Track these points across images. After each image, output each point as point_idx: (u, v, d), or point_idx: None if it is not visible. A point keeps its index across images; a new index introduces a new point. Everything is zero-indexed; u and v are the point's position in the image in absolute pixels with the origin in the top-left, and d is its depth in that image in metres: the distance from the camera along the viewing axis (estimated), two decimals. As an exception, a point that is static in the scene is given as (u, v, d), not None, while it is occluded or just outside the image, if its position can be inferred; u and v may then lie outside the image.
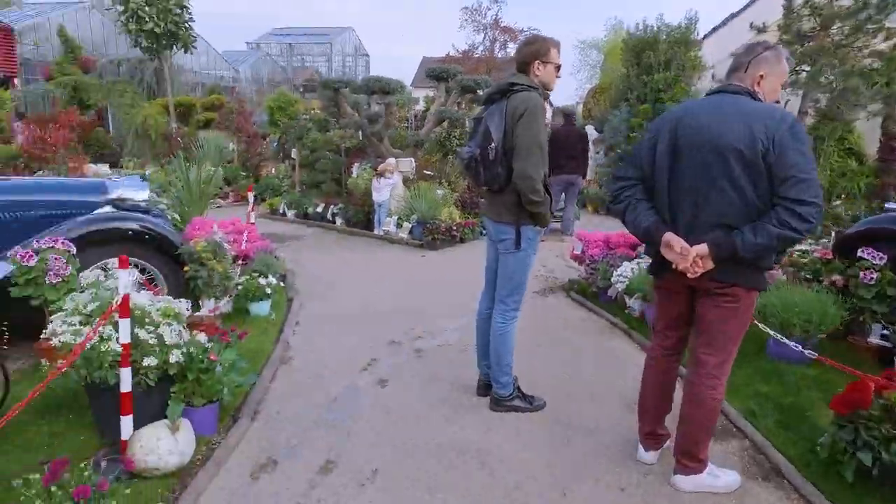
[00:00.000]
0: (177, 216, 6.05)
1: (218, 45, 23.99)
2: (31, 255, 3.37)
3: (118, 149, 13.56)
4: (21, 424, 2.85)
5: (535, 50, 3.03)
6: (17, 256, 3.32)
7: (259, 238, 5.88)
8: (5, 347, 3.69)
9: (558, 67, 3.12)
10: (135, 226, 3.95)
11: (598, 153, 13.41)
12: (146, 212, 4.36)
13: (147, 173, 12.24)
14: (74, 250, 3.60)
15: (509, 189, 2.99)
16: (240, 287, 4.73)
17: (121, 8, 12.14)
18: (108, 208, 4.08)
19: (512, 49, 23.79)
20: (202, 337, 2.95)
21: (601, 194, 12.12)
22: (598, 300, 5.54)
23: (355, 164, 10.15)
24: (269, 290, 4.83)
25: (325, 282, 6.26)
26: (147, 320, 2.75)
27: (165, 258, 4.14)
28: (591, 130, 13.33)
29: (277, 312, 4.98)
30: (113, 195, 4.25)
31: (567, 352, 4.32)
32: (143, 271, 4.10)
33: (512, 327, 3.24)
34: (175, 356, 2.72)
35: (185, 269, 4.04)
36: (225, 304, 4.56)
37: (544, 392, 3.49)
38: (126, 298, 2.53)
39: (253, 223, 6.47)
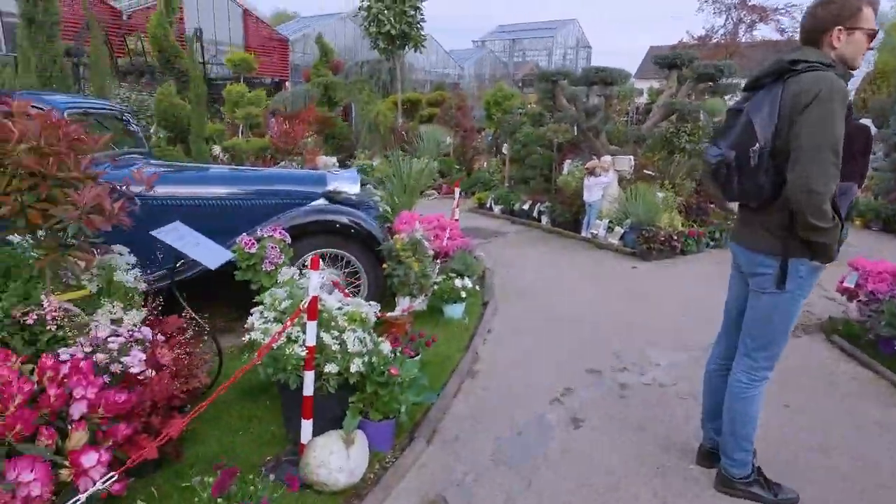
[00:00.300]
0: (388, 208, 6.25)
1: (446, 44, 25.41)
2: (253, 243, 3.62)
3: (354, 142, 15.17)
4: (226, 404, 3.03)
5: (837, 12, 2.14)
6: (242, 243, 3.59)
7: (460, 235, 5.75)
8: (222, 324, 4.09)
9: (871, 36, 2.17)
10: (344, 219, 4.05)
11: (874, 154, 10.59)
12: (356, 206, 4.48)
13: (374, 164, 13.44)
14: (289, 240, 3.79)
15: (777, 206, 2.18)
16: (436, 287, 4.60)
17: (364, 13, 13.45)
18: (322, 200, 4.26)
19: (761, 31, 20.37)
20: (386, 346, 2.78)
21: (875, 205, 9.53)
22: (878, 351, 4.14)
23: (567, 160, 9.56)
24: (463, 294, 4.61)
25: (522, 286, 5.88)
26: (333, 324, 2.65)
27: (369, 253, 4.18)
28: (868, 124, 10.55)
29: (471, 316, 4.75)
30: (329, 187, 4.44)
31: (831, 421, 3.22)
32: (347, 264, 4.20)
33: (758, 391, 2.41)
34: (356, 365, 2.58)
35: (384, 266, 4.01)
36: (420, 303, 4.48)
37: (797, 480, 2.57)
38: (314, 301, 2.45)
39: (457, 219, 6.40)
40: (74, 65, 6.04)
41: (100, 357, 2.67)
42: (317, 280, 2.47)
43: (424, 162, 12.42)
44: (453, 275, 4.73)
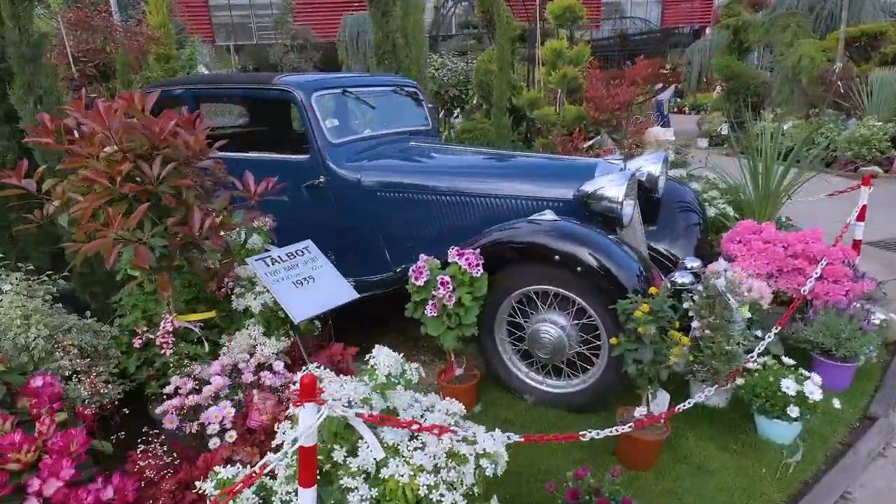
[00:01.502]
0: (729, 210, 4.07)
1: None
2: (423, 271, 2.57)
3: (759, 98, 11.71)
4: None
5: None
6: (412, 270, 2.59)
7: (850, 275, 3.21)
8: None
9: None
10: (564, 247, 2.51)
11: None
12: (611, 219, 2.82)
13: (785, 127, 9.96)
14: (478, 270, 2.57)
15: None
16: (745, 380, 2.56)
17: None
18: (549, 214, 2.78)
19: None
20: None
21: None
22: None
23: None
24: (796, 407, 2.42)
25: None
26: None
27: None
28: None
29: (815, 446, 2.51)
30: (588, 188, 2.91)
31: None
32: (581, 311, 2.67)
33: None
34: None
35: (613, 340, 2.31)
36: (716, 397, 2.57)
37: None
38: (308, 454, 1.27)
39: (857, 240, 3.70)
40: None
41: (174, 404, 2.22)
42: (309, 422, 1.28)
43: (868, 126, 8.43)
44: (790, 366, 2.55)
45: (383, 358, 1.65)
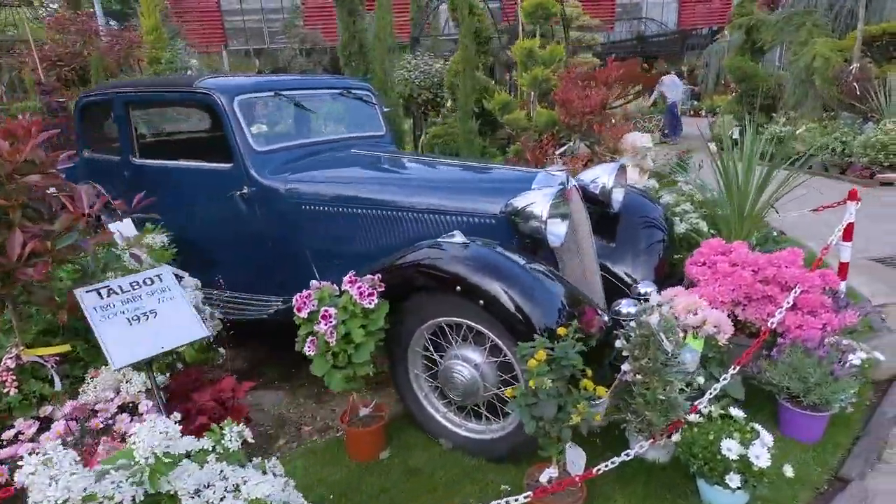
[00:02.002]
0: (702, 225, 3.64)
1: None
2: (307, 301, 2.23)
3: (773, 101, 11.07)
4: None
5: None
6: (294, 300, 2.26)
7: (828, 305, 2.77)
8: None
9: None
10: (468, 276, 2.14)
11: None
12: (534, 240, 2.45)
13: (798, 131, 9.36)
14: (372, 302, 2.23)
15: None
16: (683, 435, 2.16)
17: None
18: (457, 236, 2.41)
19: None
20: None
21: None
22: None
23: None
24: (741, 471, 2.01)
25: None
26: None
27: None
28: None
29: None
30: (517, 203, 2.53)
31: None
32: (499, 348, 2.30)
33: None
34: None
35: (508, 392, 1.91)
36: (656, 452, 2.17)
37: None
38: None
39: (844, 263, 3.26)
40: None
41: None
42: None
43: (885, 131, 7.84)
44: (740, 420, 2.14)
45: (145, 435, 1.32)
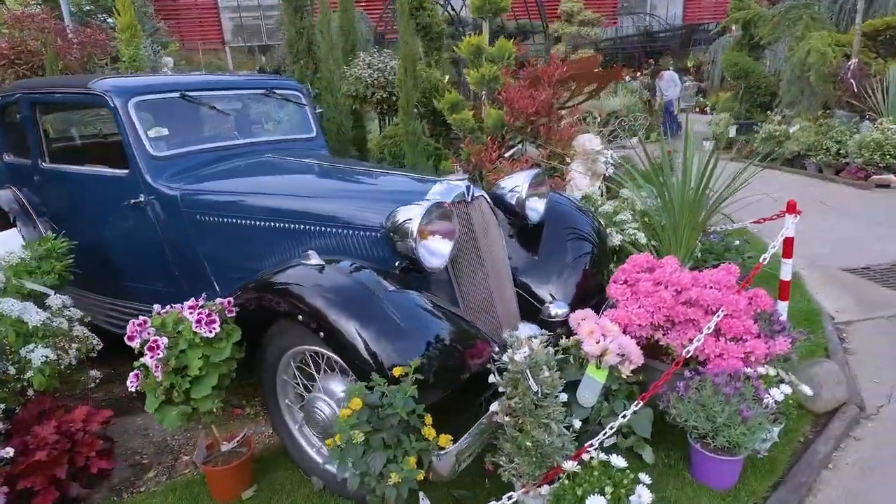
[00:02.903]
0: (640, 237, 3.35)
1: None
2: (141, 329, 2.00)
3: (772, 98, 10.61)
4: None
5: None
6: (129, 327, 2.02)
7: (753, 334, 2.48)
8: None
9: None
10: (311, 304, 1.90)
11: None
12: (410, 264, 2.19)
13: (792, 130, 8.92)
14: (212, 331, 1.99)
15: None
16: (555, 486, 1.90)
17: None
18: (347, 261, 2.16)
19: None
20: None
21: None
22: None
23: None
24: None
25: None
26: None
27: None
28: None
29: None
30: (397, 217, 2.27)
31: None
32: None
33: None
34: None
35: (328, 442, 1.67)
36: (522, 500, 1.91)
37: None
38: None
39: (785, 282, 2.97)
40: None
41: None
42: None
43: (882, 129, 7.43)
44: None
45: None
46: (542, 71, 4.27)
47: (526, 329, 2.44)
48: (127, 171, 3.12)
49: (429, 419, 1.68)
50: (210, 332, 1.98)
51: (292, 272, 2.05)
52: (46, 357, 2.32)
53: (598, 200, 3.60)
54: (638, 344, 2.57)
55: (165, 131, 3.31)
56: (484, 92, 4.66)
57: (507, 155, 4.34)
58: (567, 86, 4.43)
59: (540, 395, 1.85)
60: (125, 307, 3.43)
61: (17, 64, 6.68)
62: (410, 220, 2.16)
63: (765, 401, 2.23)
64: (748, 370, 2.40)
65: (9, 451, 2.14)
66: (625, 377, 2.31)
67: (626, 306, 2.67)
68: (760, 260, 2.66)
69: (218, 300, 2.10)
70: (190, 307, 2.02)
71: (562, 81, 4.26)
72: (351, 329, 1.82)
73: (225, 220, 2.92)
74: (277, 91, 3.84)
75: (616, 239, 3.28)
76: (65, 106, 3.43)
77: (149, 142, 3.11)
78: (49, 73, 6.37)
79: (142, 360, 1.92)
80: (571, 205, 3.27)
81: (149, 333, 1.99)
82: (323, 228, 2.57)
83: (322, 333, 1.87)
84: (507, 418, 1.91)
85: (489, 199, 2.76)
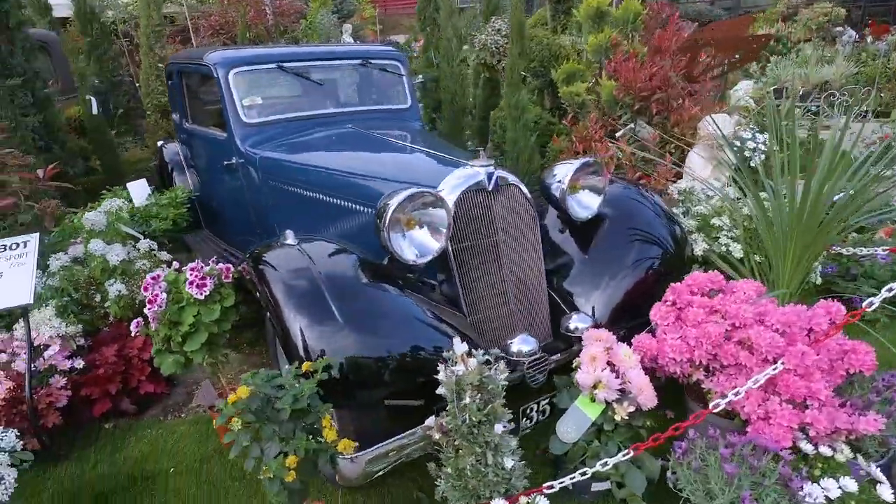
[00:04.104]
0: (735, 249, 2.68)
1: None
2: (157, 280, 2.24)
3: None
4: None
5: None
6: (146, 280, 2.28)
7: (827, 404, 1.87)
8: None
9: None
10: (263, 283, 1.89)
11: None
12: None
13: None
14: (203, 294, 2.16)
15: None
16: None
17: None
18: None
19: None
20: None
21: None
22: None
23: None
24: None
25: None
26: None
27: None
28: None
29: None
30: (388, 201, 2.14)
31: None
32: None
33: None
34: None
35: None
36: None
37: None
38: None
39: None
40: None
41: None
42: None
43: None
44: None
45: None
46: (659, 37, 3.56)
47: (522, 341, 2.16)
48: (226, 135, 3.49)
49: (326, 420, 1.61)
50: (200, 294, 2.15)
51: (268, 251, 2.11)
52: (120, 291, 2.76)
53: (702, 198, 2.97)
54: (676, 381, 2.14)
55: (259, 100, 3.60)
56: (600, 61, 4.12)
57: (618, 135, 3.81)
58: (705, 55, 3.62)
59: (468, 420, 1.65)
60: (230, 253, 3.92)
61: (221, 34, 7.86)
62: (387, 206, 2.04)
63: (801, 494, 1.67)
64: (807, 445, 1.84)
65: (80, 363, 2.63)
66: (620, 419, 1.93)
67: (665, 333, 2.21)
68: (866, 303, 1.94)
69: (220, 265, 2.26)
70: (191, 268, 2.21)
71: (689, 49, 3.49)
72: (288, 314, 1.82)
73: (288, 188, 3.11)
74: (374, 61, 3.89)
75: (699, 247, 2.70)
76: (194, 74, 3.92)
77: (243, 109, 3.42)
78: (240, 41, 7.37)
79: (144, 309, 2.18)
80: (645, 199, 2.77)
81: (160, 287, 2.23)
82: (354, 206, 2.60)
83: (268, 313, 1.90)
84: (438, 435, 1.75)
85: (525, 190, 2.48)
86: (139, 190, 3.64)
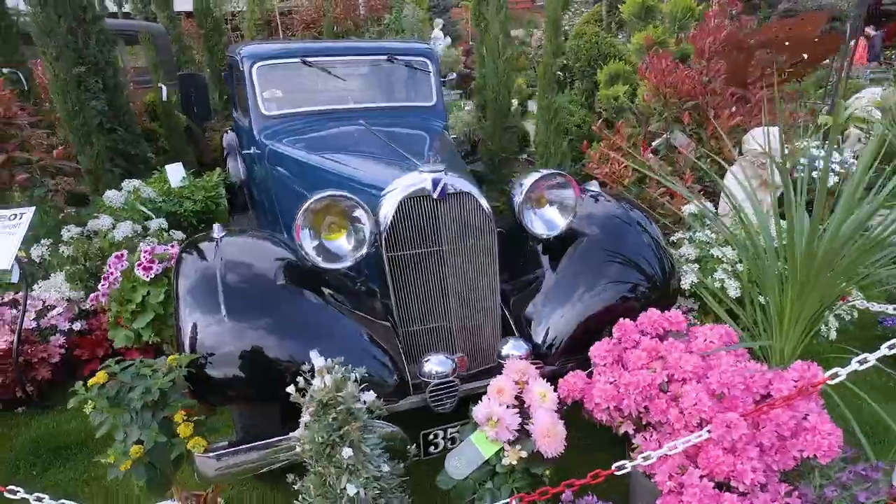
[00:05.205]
0: (730, 285, 2.28)
1: None
2: (148, 255, 2.40)
3: None
4: None
5: None
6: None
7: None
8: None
9: None
10: (182, 271, 1.93)
11: None
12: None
13: None
14: (150, 276, 2.27)
15: None
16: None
17: None
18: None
19: None
20: None
21: None
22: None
23: None
24: None
25: None
26: None
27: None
28: None
29: None
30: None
31: None
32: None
33: None
34: None
35: None
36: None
37: None
38: None
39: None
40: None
41: None
42: None
43: None
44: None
45: None
46: (693, 37, 3.08)
47: (436, 363, 2.03)
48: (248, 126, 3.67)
49: (179, 416, 1.62)
50: (146, 276, 2.27)
51: (192, 243, 2.15)
52: (122, 264, 3.01)
53: (706, 222, 2.58)
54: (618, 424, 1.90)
55: (279, 93, 3.72)
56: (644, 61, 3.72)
57: (654, 144, 3.43)
58: (765, 57, 3.07)
59: (315, 438, 1.58)
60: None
61: (311, 28, 8.29)
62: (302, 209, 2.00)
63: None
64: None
65: (79, 326, 2.92)
66: (511, 464, 1.75)
67: (599, 374, 1.96)
68: (859, 358, 1.53)
69: (173, 250, 2.37)
70: (144, 251, 2.35)
71: (740, 50, 2.97)
72: (182, 307, 1.85)
73: (286, 180, 3.20)
74: (400, 56, 3.86)
75: (687, 280, 2.36)
76: (235, 66, 4.15)
77: (263, 102, 3.57)
78: (325, 34, 7.71)
79: (98, 285, 2.35)
80: (633, 220, 2.47)
81: (121, 266, 2.40)
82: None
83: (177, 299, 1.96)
84: (300, 448, 1.69)
85: (482, 200, 2.31)
86: (175, 172, 3.95)
